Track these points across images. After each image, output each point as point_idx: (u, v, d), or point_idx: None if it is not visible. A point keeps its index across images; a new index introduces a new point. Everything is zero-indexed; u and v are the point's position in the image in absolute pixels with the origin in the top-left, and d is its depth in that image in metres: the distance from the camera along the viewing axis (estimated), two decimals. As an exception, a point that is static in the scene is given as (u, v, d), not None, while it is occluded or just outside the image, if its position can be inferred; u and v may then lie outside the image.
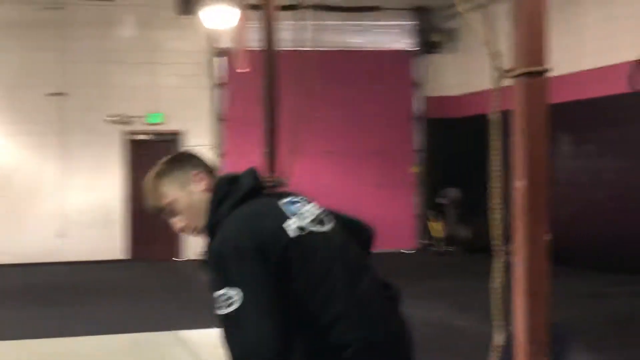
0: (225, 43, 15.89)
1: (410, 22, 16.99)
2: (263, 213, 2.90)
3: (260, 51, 11.43)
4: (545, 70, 5.23)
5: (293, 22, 14.16)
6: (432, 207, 16.82)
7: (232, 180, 3.02)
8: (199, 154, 3.18)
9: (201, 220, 3.00)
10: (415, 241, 17.08)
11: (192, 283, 12.76)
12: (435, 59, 17.07)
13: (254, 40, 12.86)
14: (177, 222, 3.07)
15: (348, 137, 16.63)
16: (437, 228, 16.66)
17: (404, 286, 10.86)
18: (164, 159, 3.13)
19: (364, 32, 16.71)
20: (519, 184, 5.19)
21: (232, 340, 2.69)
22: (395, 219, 16.85)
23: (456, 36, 16.85)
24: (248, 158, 16.20)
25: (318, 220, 2.96)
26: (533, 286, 4.96)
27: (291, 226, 2.88)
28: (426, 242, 16.94)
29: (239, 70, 12.71)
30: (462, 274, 13.26)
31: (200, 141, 16.01)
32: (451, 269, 13.98)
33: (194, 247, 15.65)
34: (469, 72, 16.54)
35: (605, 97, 12.77)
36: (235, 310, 2.66)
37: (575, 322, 8.87)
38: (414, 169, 17.10)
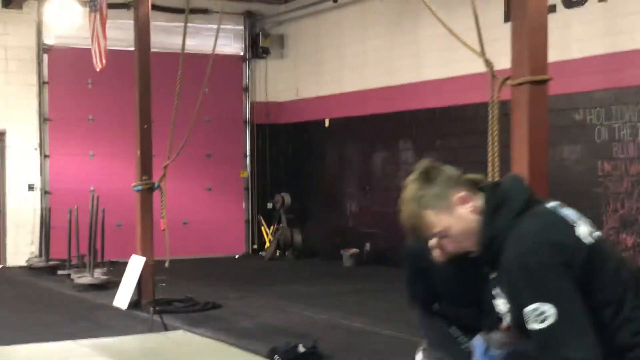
0: (55, 39, 15.24)
1: (240, 27, 16.96)
2: (555, 223, 2.88)
3: (124, 51, 11.10)
4: (549, 79, 5.52)
5: (122, 22, 13.90)
6: (262, 212, 16.87)
7: (499, 192, 2.97)
8: (443, 169, 3.08)
9: (472, 241, 2.94)
10: (244, 246, 17.04)
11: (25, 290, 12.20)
12: (265, 64, 17.13)
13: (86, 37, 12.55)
14: (448, 245, 3.00)
15: (176, 141, 16.31)
16: (266, 233, 16.72)
17: (253, 290, 10.88)
18: (414, 179, 3.05)
19: (193, 35, 16.47)
20: None
21: (553, 356, 2.69)
22: (225, 224, 16.77)
23: (285, 42, 17.02)
24: (74, 159, 15.69)
25: (590, 224, 2.96)
26: None
27: (582, 233, 2.87)
28: (255, 247, 16.94)
29: (97, 69, 12.15)
30: (311, 278, 13.42)
31: (24, 141, 15.21)
32: (295, 273, 14.09)
33: (19, 252, 14.91)
34: (298, 78, 16.78)
35: (447, 107, 13.36)
36: (551, 325, 2.66)
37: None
38: (244, 174, 17.08)
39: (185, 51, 13.11)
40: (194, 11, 16.16)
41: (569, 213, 2.95)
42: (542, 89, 5.41)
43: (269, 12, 16.93)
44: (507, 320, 2.99)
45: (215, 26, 12.04)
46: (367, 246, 14.87)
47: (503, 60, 12.20)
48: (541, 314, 2.68)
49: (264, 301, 10.91)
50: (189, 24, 16.32)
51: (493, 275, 3.01)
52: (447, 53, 13.37)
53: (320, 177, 16.31)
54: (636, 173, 10.53)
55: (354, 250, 14.86)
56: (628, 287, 2.85)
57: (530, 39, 5.38)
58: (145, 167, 10.85)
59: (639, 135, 10.58)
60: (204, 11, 16.22)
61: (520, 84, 5.38)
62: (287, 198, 16.37)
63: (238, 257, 16.42)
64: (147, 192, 10.73)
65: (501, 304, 3.01)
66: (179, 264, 12.25)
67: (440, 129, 13.57)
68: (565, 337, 2.67)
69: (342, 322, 9.33)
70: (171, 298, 10.54)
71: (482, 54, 5.71)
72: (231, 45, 16.99)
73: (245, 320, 9.51)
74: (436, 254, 3.09)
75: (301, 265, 15.33)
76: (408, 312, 9.66)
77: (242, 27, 16.98)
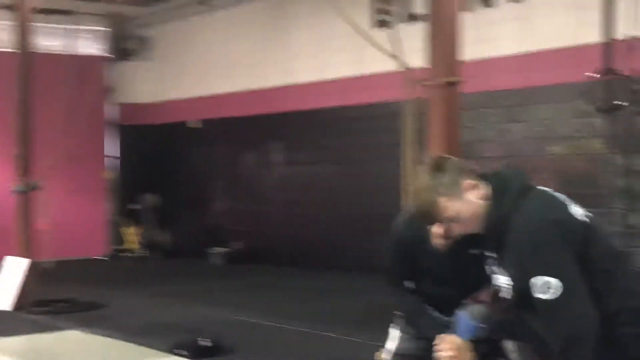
0: None
1: (105, 29, 16.83)
2: (554, 203, 3.23)
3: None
4: (460, 81, 5.99)
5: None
6: (128, 213, 16.80)
7: (501, 179, 3.30)
8: (452, 160, 3.39)
9: (478, 224, 3.25)
10: (106, 248, 16.91)
11: None
12: (130, 66, 17.07)
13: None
14: (456, 228, 3.31)
15: (36, 142, 16.01)
16: (131, 234, 16.67)
17: (132, 290, 11.00)
18: (427, 171, 3.32)
19: (57, 35, 16.25)
20: None
21: (558, 323, 3.02)
22: (86, 226, 16.58)
23: (151, 44, 17.02)
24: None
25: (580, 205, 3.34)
26: None
27: (575, 212, 3.24)
28: (118, 248, 16.85)
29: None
30: (185, 276, 13.53)
31: None
32: (167, 273, 14.18)
33: None
34: (164, 80, 16.82)
35: (318, 109, 13.77)
36: (555, 296, 3.00)
37: (335, 314, 9.70)
38: (106, 175, 16.95)
39: (50, 52, 12.96)
40: (58, 12, 15.98)
41: (558, 195, 3.35)
42: (455, 90, 5.85)
43: (135, 14, 16.85)
44: (506, 294, 3.34)
45: (81, 27, 11.95)
46: (236, 245, 15.12)
47: (375, 66, 12.83)
48: (547, 286, 3.04)
49: (147, 300, 10.98)
50: (55, 25, 16.22)
51: (491, 254, 3.38)
52: (318, 57, 13.80)
53: (188, 178, 16.43)
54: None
55: (223, 249, 15.08)
56: (618, 258, 3.26)
57: (444, 42, 5.81)
58: (24, 168, 10.74)
59: (500, 136, 11.29)
60: (68, 12, 16.03)
61: (435, 85, 5.79)
62: (154, 199, 16.40)
63: (100, 259, 16.30)
64: (25, 193, 10.62)
65: (500, 279, 3.36)
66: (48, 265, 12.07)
67: (311, 130, 13.97)
68: (568, 305, 3.03)
69: (232, 317, 9.52)
70: (54, 299, 10.44)
71: (396, 56, 6.08)
72: (96, 46, 16.85)
73: (134, 319, 9.55)
74: (439, 239, 3.43)
75: (170, 265, 15.43)
76: (291, 306, 10.10)
77: (107, 29, 16.85)
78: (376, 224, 12.93)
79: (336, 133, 13.62)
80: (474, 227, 3.33)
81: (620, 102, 5.68)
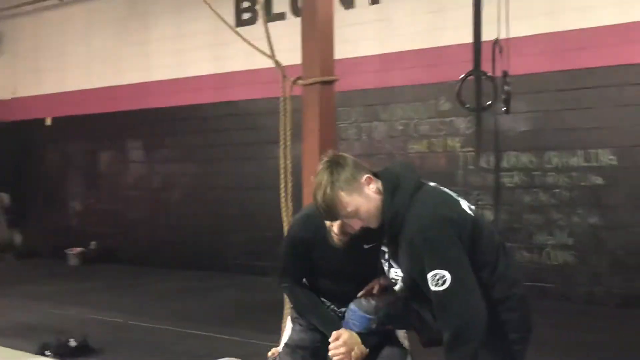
0: None
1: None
2: (446, 200, 3.37)
3: None
4: (335, 80, 6.12)
5: None
6: (-22, 213, 16.20)
7: (394, 175, 3.41)
8: (348, 156, 3.46)
9: (376, 220, 3.36)
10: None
11: None
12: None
13: None
14: (356, 223, 3.40)
15: None
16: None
17: None
18: (324, 167, 3.40)
19: None
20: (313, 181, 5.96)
21: (449, 312, 3.18)
22: None
23: (1, 40, 16.45)
24: None
25: (467, 200, 3.48)
26: None
27: (466, 207, 3.39)
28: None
29: None
30: (41, 277, 13.16)
31: None
32: (22, 274, 13.75)
33: None
34: (17, 76, 16.29)
35: (178, 107, 13.67)
36: (448, 288, 3.15)
37: (199, 312, 9.70)
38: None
39: None
40: None
41: (449, 192, 3.48)
42: (330, 88, 5.95)
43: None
44: (399, 286, 3.46)
45: None
46: (93, 244, 14.83)
47: (235, 64, 12.84)
48: (441, 278, 3.17)
49: (6, 301, 10.64)
50: None
51: (386, 249, 3.48)
52: (176, 54, 13.70)
53: (41, 177, 15.97)
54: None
55: (80, 249, 14.75)
56: (500, 250, 3.42)
57: (319, 42, 5.90)
58: None
59: (362, 134, 11.53)
60: None
61: (310, 83, 5.88)
62: (6, 198, 15.88)
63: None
64: None
65: (393, 273, 3.47)
66: None
67: (171, 127, 13.86)
68: (458, 296, 3.18)
69: (96, 317, 9.38)
70: None
71: (272, 56, 6.14)
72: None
73: (-5, 321, 9.30)
74: (336, 236, 3.53)
75: (24, 266, 14.95)
76: (154, 305, 10.01)
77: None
78: (235, 224, 13.00)
79: (196, 131, 13.56)
80: (371, 222, 3.42)
81: (488, 102, 5.92)
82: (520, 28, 8.39)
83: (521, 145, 9.99)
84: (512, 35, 6.22)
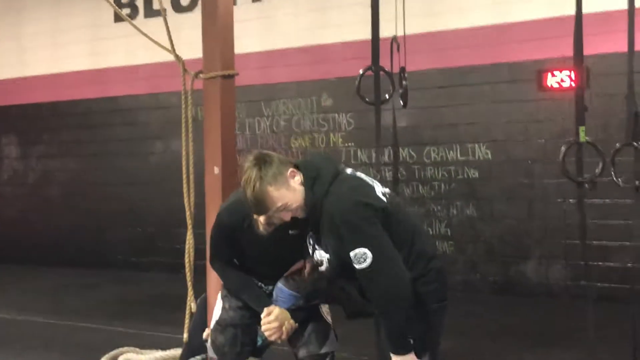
0: None
1: None
2: (361, 186, 3.63)
3: None
4: (235, 74, 6.31)
5: None
6: None
7: (313, 166, 3.67)
8: (272, 153, 3.69)
9: (302, 210, 3.61)
10: None
11: None
12: None
13: None
14: (285, 215, 3.63)
15: None
16: None
17: None
18: (252, 164, 3.60)
19: None
20: (217, 171, 6.18)
21: (377, 285, 3.44)
22: None
23: None
24: None
25: (381, 184, 3.73)
26: None
27: (379, 193, 3.66)
28: None
29: None
30: None
31: None
32: None
33: None
34: None
35: (56, 102, 13.51)
36: (371, 263, 3.42)
37: (87, 307, 9.70)
38: None
39: None
40: None
41: (364, 176, 3.74)
42: (230, 82, 6.13)
43: None
44: (324, 266, 3.70)
45: None
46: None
47: (114, 60, 12.79)
48: (363, 255, 3.43)
49: None
50: None
51: (310, 234, 3.75)
52: (55, 48, 13.54)
53: None
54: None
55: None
56: (416, 230, 3.70)
57: (219, 36, 6.07)
58: None
59: (246, 130, 11.71)
60: None
61: (211, 77, 6.03)
62: None
63: None
64: None
65: (317, 255, 3.74)
66: None
67: (48, 123, 13.67)
68: (382, 270, 3.45)
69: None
70: None
71: (173, 50, 6.27)
72: None
73: None
74: (262, 226, 3.76)
75: None
76: (39, 301, 9.91)
77: None
78: (116, 220, 12.96)
79: (75, 127, 13.44)
80: (299, 213, 3.67)
81: (386, 97, 6.20)
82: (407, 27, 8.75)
83: (402, 141, 10.37)
84: (399, 33, 6.51)
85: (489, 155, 9.83)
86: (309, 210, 3.61)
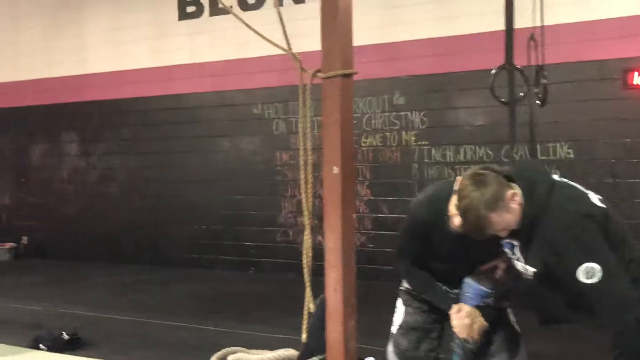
0: None
1: None
2: (581, 197, 3.60)
3: None
4: (354, 73, 6.25)
5: None
6: None
7: (529, 180, 3.60)
8: (488, 173, 3.57)
9: (516, 224, 3.53)
10: None
11: None
12: None
13: None
14: (502, 233, 3.57)
15: None
16: None
17: None
18: (471, 187, 3.51)
19: None
20: (336, 170, 6.13)
21: (609, 300, 3.38)
22: None
23: None
24: None
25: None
26: (346, 258, 5.95)
27: (597, 200, 3.62)
28: None
29: None
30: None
31: None
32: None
33: None
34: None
35: (119, 99, 13.53)
36: (600, 280, 3.35)
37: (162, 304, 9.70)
38: None
39: None
40: None
41: (579, 186, 3.69)
42: (349, 81, 6.08)
43: None
44: (528, 275, 3.64)
45: None
46: (24, 239, 14.53)
47: (177, 57, 12.77)
48: (591, 270, 3.36)
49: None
50: None
51: (515, 243, 3.67)
52: (116, 46, 13.54)
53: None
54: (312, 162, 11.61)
55: (11, 244, 14.42)
56: (626, 232, 3.64)
57: (340, 36, 6.02)
58: None
59: (315, 128, 11.65)
60: None
61: (331, 77, 5.98)
62: None
63: None
64: None
65: (520, 266, 3.67)
66: None
67: (107, 121, 13.69)
68: (613, 287, 3.40)
69: (65, 311, 9.26)
70: None
71: (290, 50, 6.21)
72: None
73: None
74: (458, 223, 3.69)
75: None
76: (117, 298, 9.89)
77: None
78: (177, 217, 12.96)
79: (136, 124, 13.45)
80: (512, 227, 3.59)
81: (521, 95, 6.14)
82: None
83: (479, 139, 10.34)
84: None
85: (572, 155, 9.72)
86: (527, 224, 3.54)
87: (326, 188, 6.21)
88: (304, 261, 6.30)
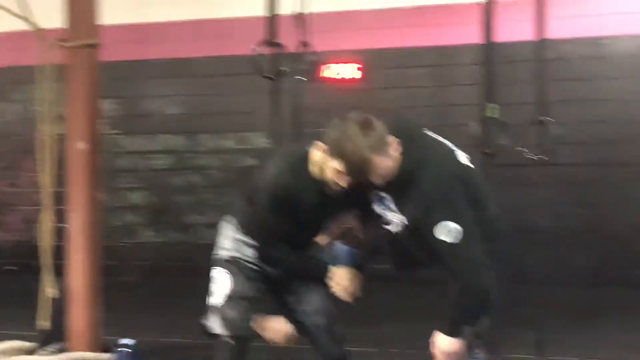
0: None
1: None
2: (452, 155, 3.59)
3: None
4: (98, 43, 6.06)
5: None
6: None
7: (407, 133, 3.57)
8: (374, 117, 3.47)
9: (393, 174, 3.47)
10: None
11: None
12: None
13: None
14: (378, 181, 3.48)
15: None
16: None
17: None
18: (356, 129, 3.39)
19: None
20: (81, 146, 5.92)
21: (462, 263, 3.42)
22: None
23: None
24: None
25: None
26: (91, 240, 5.82)
27: (463, 159, 3.63)
28: None
29: None
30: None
31: None
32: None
33: None
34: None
35: None
36: (458, 241, 3.37)
37: None
38: None
39: None
40: None
41: (447, 143, 3.71)
42: (94, 51, 5.85)
43: None
44: (394, 228, 3.61)
45: None
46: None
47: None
48: (453, 230, 3.39)
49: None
50: None
51: (384, 195, 3.62)
52: None
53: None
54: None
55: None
56: (487, 193, 3.71)
57: (83, 5, 5.77)
58: None
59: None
60: None
61: (76, 46, 5.72)
62: None
63: None
64: None
65: (390, 215, 3.62)
66: None
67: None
68: (467, 249, 3.44)
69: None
70: None
71: (27, 17, 5.82)
72: None
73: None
74: (335, 185, 3.57)
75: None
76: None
77: None
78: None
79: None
80: (389, 177, 3.53)
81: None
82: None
83: (173, 128, 10.26)
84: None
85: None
86: (403, 175, 3.51)
87: (70, 165, 5.87)
88: (43, 243, 5.91)
